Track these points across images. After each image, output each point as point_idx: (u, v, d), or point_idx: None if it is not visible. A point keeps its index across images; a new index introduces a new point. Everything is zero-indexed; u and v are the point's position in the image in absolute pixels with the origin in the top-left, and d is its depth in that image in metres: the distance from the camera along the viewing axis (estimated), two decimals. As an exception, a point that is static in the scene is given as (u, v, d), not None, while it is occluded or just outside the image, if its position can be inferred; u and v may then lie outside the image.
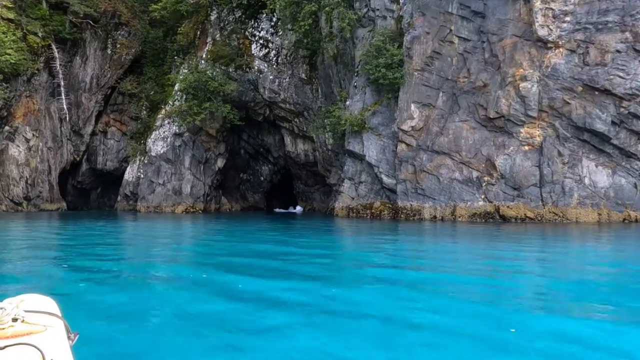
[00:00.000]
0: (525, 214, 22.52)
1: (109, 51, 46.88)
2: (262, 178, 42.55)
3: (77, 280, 7.61)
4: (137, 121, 45.09)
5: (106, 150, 47.76)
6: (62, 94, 44.41)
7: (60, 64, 43.65)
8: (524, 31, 23.13)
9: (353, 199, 27.20)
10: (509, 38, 23.30)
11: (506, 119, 23.23)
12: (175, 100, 36.91)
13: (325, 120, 32.48)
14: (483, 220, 22.87)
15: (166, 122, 37.66)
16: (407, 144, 25.01)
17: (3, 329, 1.49)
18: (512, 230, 18.81)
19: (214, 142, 37.50)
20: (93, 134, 47.29)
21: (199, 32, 40.26)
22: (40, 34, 42.91)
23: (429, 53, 24.87)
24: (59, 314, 1.65)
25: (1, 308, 1.52)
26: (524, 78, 22.86)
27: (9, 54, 38.91)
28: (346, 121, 26.23)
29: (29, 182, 43.20)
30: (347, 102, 28.06)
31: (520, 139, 23.04)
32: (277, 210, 42.06)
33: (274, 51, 36.22)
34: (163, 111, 38.50)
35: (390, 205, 25.73)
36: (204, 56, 37.72)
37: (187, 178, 36.71)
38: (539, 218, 22.44)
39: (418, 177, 24.54)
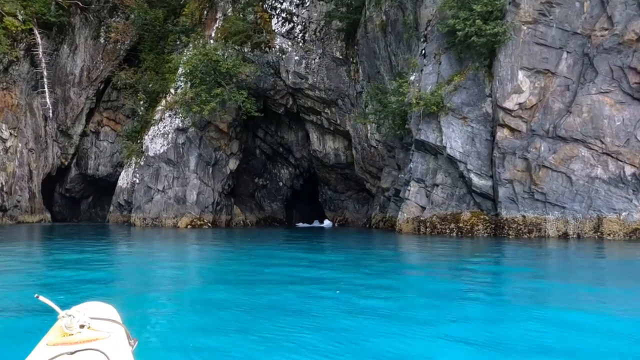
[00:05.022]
0: None
1: (102, 40, 37.70)
2: (281, 183, 33.35)
3: None
4: (133, 118, 35.96)
5: (98, 154, 38.51)
6: (46, 87, 35.19)
7: (43, 52, 34.45)
8: (703, -45, 14.42)
9: (424, 208, 18.13)
10: (680, -34, 14.58)
11: (677, 87, 14.41)
12: (178, 88, 27.81)
13: (369, 107, 23.56)
14: (650, 240, 13.94)
15: (167, 115, 28.48)
16: (513, 129, 16.06)
17: (72, 334, 1.53)
18: None
19: (225, 140, 28.34)
20: (83, 134, 38.14)
21: (206, 11, 31.33)
22: (20, 17, 33.82)
23: (544, -3, 16.07)
24: (120, 321, 1.73)
25: (70, 315, 1.56)
26: None
27: (-22, 36, 29.80)
28: (419, 100, 17.21)
29: (4, 189, 33.81)
30: (412, 77, 19.13)
31: (702, 116, 14.20)
32: (299, 224, 32.68)
33: (299, 26, 27.19)
34: (163, 102, 29.34)
35: (487, 217, 16.68)
36: (213, 35, 28.64)
37: (192, 183, 27.51)
38: None
39: (534, 176, 15.55)
